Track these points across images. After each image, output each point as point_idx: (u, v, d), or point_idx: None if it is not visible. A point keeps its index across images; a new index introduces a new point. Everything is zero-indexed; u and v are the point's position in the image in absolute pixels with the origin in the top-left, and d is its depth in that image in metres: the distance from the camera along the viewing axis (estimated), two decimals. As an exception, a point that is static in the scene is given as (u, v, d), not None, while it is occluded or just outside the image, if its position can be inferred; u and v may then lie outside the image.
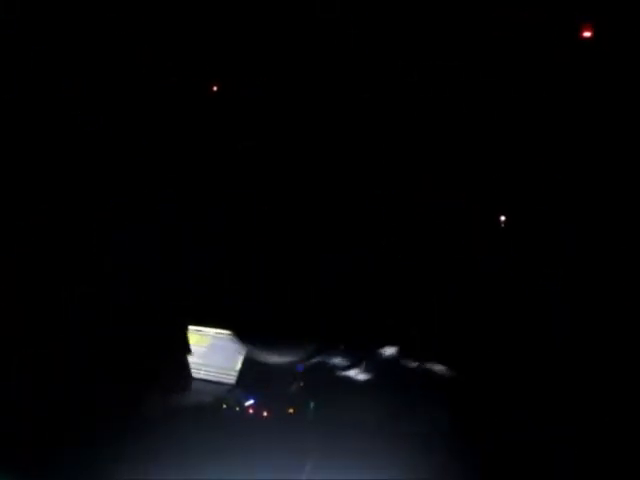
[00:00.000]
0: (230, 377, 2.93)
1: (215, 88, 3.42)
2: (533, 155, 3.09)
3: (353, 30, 3.21)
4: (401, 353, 2.72)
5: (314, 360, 2.82)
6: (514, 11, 3.00)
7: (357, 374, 2.72)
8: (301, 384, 2.73)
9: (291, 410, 2.59)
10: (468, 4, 3.07)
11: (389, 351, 2.74)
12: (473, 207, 3.14)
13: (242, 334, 2.98)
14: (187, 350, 3.01)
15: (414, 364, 2.67)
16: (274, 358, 2.87)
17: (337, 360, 2.79)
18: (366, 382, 2.67)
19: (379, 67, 3.29)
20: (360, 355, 2.76)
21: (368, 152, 3.38)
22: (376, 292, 2.98)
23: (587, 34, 3.00)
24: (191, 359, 3.02)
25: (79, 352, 2.75)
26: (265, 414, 2.59)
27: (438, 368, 2.63)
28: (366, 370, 2.71)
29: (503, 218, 3.10)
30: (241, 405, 2.65)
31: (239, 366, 2.93)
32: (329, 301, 2.94)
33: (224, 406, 2.66)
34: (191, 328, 3.12)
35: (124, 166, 3.24)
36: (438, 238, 3.10)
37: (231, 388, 2.85)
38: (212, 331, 3.10)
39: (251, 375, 2.87)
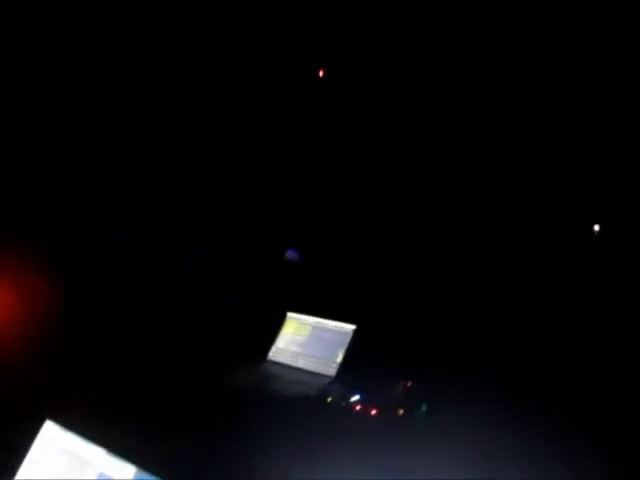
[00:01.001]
0: (331, 369, 2.79)
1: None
2: (533, 156, 3.09)
3: (353, 30, 3.21)
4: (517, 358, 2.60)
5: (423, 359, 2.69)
6: (513, 11, 3.00)
7: (469, 376, 2.54)
8: (409, 384, 2.55)
9: (400, 411, 2.42)
10: (467, 3, 3.08)
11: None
12: (477, 208, 3.14)
13: (345, 324, 2.87)
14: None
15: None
16: (379, 355, 2.73)
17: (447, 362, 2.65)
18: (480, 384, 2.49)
19: (380, 67, 3.29)
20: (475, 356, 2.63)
21: (368, 152, 3.38)
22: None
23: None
24: (289, 347, 2.95)
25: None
26: (373, 412, 2.41)
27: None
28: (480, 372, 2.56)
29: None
30: (347, 400, 2.48)
31: (340, 358, 2.79)
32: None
33: (328, 400, 2.49)
34: (290, 315, 3.04)
35: (124, 166, 3.25)
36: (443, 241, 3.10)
37: (332, 381, 2.69)
38: (312, 320, 2.99)
39: (353, 370, 2.73)
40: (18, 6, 2.98)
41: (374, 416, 2.41)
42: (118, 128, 3.27)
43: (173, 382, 2.46)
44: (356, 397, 2.51)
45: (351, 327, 2.90)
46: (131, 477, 1.62)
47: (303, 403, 2.49)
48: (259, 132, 3.42)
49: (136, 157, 3.25)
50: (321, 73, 3.30)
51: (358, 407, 2.47)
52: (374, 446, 2.04)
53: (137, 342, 2.77)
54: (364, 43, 3.24)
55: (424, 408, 2.45)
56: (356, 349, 2.82)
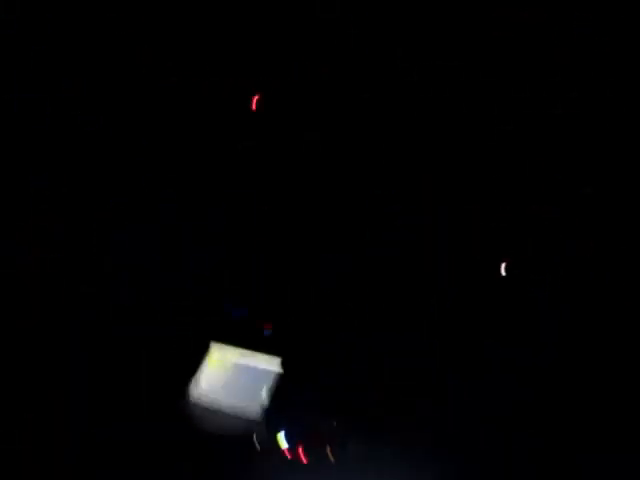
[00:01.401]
0: (255, 411, 2.59)
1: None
2: (533, 156, 3.06)
3: (352, 30, 3.18)
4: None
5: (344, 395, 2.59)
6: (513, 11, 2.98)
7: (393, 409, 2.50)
8: (334, 422, 2.48)
9: (328, 449, 2.36)
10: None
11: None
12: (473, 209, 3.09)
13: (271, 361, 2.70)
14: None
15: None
16: (304, 393, 2.61)
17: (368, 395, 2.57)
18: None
19: (379, 67, 3.27)
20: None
21: (368, 152, 3.35)
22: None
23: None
24: (212, 387, 2.72)
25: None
26: (304, 457, 2.33)
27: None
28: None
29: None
30: (276, 447, 2.38)
31: (265, 398, 2.61)
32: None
33: (257, 447, 2.39)
34: (213, 349, 2.83)
35: (124, 166, 3.21)
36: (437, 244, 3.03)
37: (258, 423, 2.54)
38: (236, 355, 2.78)
39: (279, 410, 2.57)
40: (18, 6, 2.97)
41: (304, 458, 2.31)
42: (118, 128, 3.24)
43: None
44: (284, 439, 2.38)
45: (276, 363, 2.69)
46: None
47: (230, 448, 2.34)
48: (259, 132, 3.39)
49: (136, 157, 3.23)
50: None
51: (286, 449, 2.36)
52: None
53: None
54: (364, 42, 3.22)
55: (350, 445, 2.35)
56: (281, 388, 2.62)
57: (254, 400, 2.60)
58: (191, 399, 2.67)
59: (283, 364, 2.64)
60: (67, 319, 2.69)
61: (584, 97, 2.92)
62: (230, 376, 2.71)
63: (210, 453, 2.29)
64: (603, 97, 2.87)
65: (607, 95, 2.86)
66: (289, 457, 2.32)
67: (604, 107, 2.88)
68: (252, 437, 2.39)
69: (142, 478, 2.10)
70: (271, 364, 2.67)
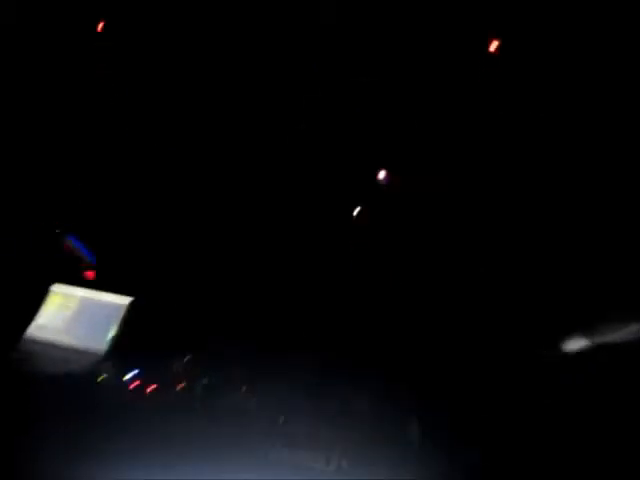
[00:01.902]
0: (101, 346, 2.59)
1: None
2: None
3: (345, 30, 3.15)
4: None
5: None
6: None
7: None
8: (188, 358, 2.44)
9: (181, 385, 2.29)
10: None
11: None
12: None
13: (119, 297, 2.74)
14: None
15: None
16: (155, 329, 2.60)
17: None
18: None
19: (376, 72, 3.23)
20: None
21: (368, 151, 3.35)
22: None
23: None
24: (53, 323, 2.70)
25: None
26: (150, 389, 2.27)
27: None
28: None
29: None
30: (120, 378, 2.32)
31: (112, 334, 2.59)
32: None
33: (99, 379, 2.33)
34: (55, 288, 2.80)
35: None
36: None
37: (103, 358, 2.51)
38: (81, 293, 2.80)
39: (128, 345, 2.53)
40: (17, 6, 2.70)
41: (151, 393, 2.25)
42: (117, 128, 3.13)
43: None
44: (131, 374, 2.29)
45: (126, 300, 2.70)
46: None
47: (71, 383, 2.28)
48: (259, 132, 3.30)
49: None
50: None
51: (134, 385, 2.29)
52: (151, 424, 1.91)
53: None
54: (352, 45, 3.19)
55: (204, 382, 2.32)
56: (131, 323, 2.58)
57: (101, 335, 2.58)
58: (30, 337, 2.64)
59: (135, 303, 2.64)
60: None
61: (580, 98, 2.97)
62: (75, 313, 2.69)
63: (51, 388, 2.28)
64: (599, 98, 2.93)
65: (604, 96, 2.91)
66: (136, 392, 2.32)
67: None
68: (96, 372, 2.36)
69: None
70: (119, 300, 2.71)
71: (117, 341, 2.61)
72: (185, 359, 2.55)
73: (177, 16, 3.09)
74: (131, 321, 2.69)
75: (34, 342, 2.59)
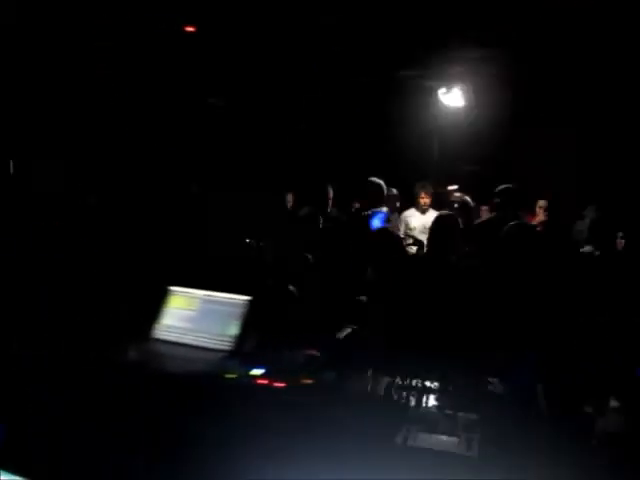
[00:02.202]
0: (225, 344, 2.60)
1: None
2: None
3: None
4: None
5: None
6: None
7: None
8: (312, 352, 2.48)
9: (307, 380, 2.29)
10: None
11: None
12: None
13: (239, 296, 2.69)
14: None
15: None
16: (276, 325, 2.65)
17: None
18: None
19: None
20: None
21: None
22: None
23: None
24: (177, 323, 2.73)
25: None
26: (279, 385, 2.25)
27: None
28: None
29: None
30: (248, 375, 2.30)
31: (234, 331, 2.60)
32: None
33: (228, 376, 2.33)
34: (174, 289, 2.82)
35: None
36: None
37: (227, 356, 2.53)
38: (201, 293, 2.77)
39: (250, 342, 2.58)
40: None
41: (279, 388, 2.20)
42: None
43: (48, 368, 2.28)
44: (258, 370, 2.31)
45: (244, 298, 2.68)
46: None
47: (199, 382, 2.26)
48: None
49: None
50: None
51: (261, 381, 2.26)
52: (285, 420, 1.92)
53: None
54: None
55: (332, 376, 2.30)
56: (252, 320, 2.60)
57: (224, 333, 2.63)
58: (155, 337, 2.73)
59: (253, 301, 2.65)
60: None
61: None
62: (197, 312, 2.74)
63: (179, 387, 2.21)
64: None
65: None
66: (264, 386, 2.26)
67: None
68: (222, 370, 2.36)
69: (115, 416, 2.06)
70: (239, 297, 2.71)
71: (240, 338, 2.47)
72: (310, 352, 2.36)
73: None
74: (252, 318, 2.53)
75: (160, 342, 2.55)
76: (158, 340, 2.74)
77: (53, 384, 2.20)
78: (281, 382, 2.26)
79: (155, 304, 2.81)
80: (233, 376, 2.33)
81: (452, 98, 6.54)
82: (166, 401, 2.07)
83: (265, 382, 2.28)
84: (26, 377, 2.24)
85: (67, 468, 1.85)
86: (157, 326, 2.78)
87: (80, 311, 2.89)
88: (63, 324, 2.74)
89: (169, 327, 2.78)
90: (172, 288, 2.86)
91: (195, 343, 2.68)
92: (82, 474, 1.78)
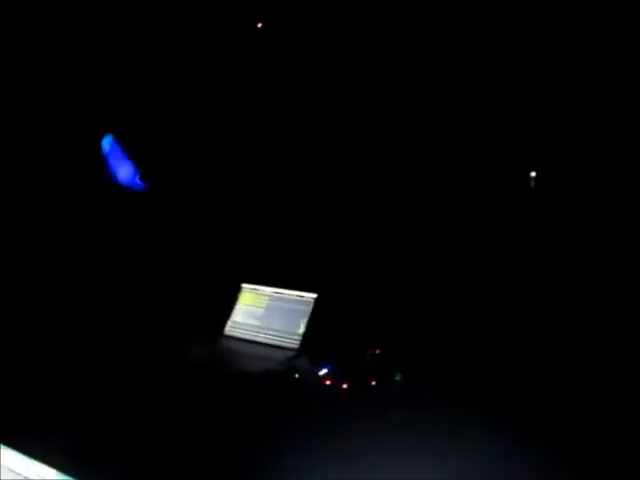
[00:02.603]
0: (293, 342, 2.63)
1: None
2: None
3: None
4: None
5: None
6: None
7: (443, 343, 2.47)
8: (378, 352, 2.45)
9: (373, 382, 2.29)
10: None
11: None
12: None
13: (306, 293, 2.72)
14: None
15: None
16: (343, 323, 2.61)
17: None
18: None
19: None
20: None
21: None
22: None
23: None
24: (247, 320, 2.79)
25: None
26: (345, 385, 2.28)
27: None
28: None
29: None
30: (316, 374, 2.36)
31: (303, 330, 2.64)
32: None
33: (296, 375, 2.38)
34: (246, 286, 2.87)
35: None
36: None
37: (296, 354, 2.57)
38: (270, 290, 2.81)
39: (318, 341, 2.60)
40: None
41: (346, 389, 2.22)
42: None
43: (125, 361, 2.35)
44: (325, 370, 2.33)
45: (312, 295, 2.70)
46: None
47: (269, 379, 2.30)
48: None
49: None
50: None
51: (328, 381, 2.28)
52: (351, 420, 1.91)
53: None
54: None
55: (398, 378, 2.25)
56: (319, 319, 2.62)
57: (292, 331, 2.66)
58: (227, 334, 2.79)
59: (321, 298, 2.68)
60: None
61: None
62: (266, 310, 2.79)
63: (249, 384, 2.26)
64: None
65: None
66: (330, 385, 2.30)
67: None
68: (291, 367, 2.41)
69: (184, 409, 2.09)
70: (307, 295, 2.73)
71: (309, 336, 2.49)
72: (377, 353, 2.33)
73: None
74: (320, 316, 2.53)
75: (231, 339, 2.62)
76: (230, 337, 2.80)
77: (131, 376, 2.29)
78: (345, 382, 2.28)
79: (227, 300, 2.88)
80: (299, 375, 2.36)
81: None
82: (237, 398, 2.10)
83: (330, 382, 2.30)
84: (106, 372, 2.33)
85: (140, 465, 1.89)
86: (229, 323, 2.84)
87: (158, 306, 2.95)
88: (142, 319, 2.82)
89: (240, 324, 2.83)
90: (243, 285, 2.90)
91: (265, 341, 2.72)
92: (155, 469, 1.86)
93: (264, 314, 2.79)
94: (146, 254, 3.21)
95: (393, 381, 2.29)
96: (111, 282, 3.10)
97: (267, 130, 3.47)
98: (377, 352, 2.45)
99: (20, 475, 1.81)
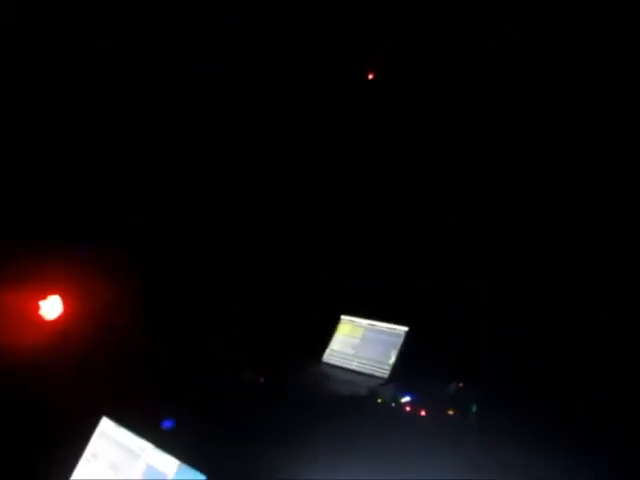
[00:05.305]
0: (383, 371, 2.82)
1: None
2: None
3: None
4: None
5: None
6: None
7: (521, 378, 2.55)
8: (460, 385, 2.55)
9: (450, 412, 2.40)
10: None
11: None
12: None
13: (398, 326, 2.92)
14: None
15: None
16: (430, 356, 2.77)
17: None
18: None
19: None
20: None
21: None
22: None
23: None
24: (343, 349, 3.00)
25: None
26: (423, 413, 2.41)
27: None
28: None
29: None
30: (397, 401, 2.50)
31: (393, 360, 2.82)
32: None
33: (379, 400, 2.53)
34: (344, 318, 3.09)
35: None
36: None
37: (384, 382, 2.74)
38: (365, 322, 3.02)
39: (405, 371, 2.78)
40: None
41: (423, 417, 2.35)
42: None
43: (233, 381, 2.61)
44: (406, 398, 2.47)
45: (403, 329, 2.89)
46: (174, 469, 1.82)
47: (355, 403, 2.49)
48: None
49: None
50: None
51: (408, 408, 2.42)
52: (422, 445, 2.00)
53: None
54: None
55: (474, 409, 2.36)
56: (409, 350, 2.81)
57: (383, 361, 2.84)
58: (325, 361, 3.03)
59: (411, 332, 2.84)
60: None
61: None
62: (360, 340, 2.99)
63: (340, 406, 2.47)
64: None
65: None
66: (411, 414, 2.43)
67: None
68: (376, 393, 2.57)
69: (281, 422, 2.32)
70: (398, 328, 2.91)
71: (398, 366, 2.66)
72: (459, 384, 2.44)
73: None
74: (409, 348, 2.70)
75: (328, 366, 2.86)
76: (327, 364, 3.02)
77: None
78: (424, 411, 2.40)
79: (328, 330, 3.10)
80: (382, 400, 2.51)
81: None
82: (331, 418, 2.26)
83: (409, 408, 2.45)
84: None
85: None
86: (327, 350, 3.07)
87: (271, 334, 3.15)
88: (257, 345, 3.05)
89: (337, 352, 3.04)
90: (342, 316, 3.11)
91: (357, 369, 2.91)
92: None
93: (359, 344, 2.96)
94: (265, 287, 3.36)
95: (469, 412, 2.38)
96: (233, 311, 3.29)
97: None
98: (460, 385, 2.54)
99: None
